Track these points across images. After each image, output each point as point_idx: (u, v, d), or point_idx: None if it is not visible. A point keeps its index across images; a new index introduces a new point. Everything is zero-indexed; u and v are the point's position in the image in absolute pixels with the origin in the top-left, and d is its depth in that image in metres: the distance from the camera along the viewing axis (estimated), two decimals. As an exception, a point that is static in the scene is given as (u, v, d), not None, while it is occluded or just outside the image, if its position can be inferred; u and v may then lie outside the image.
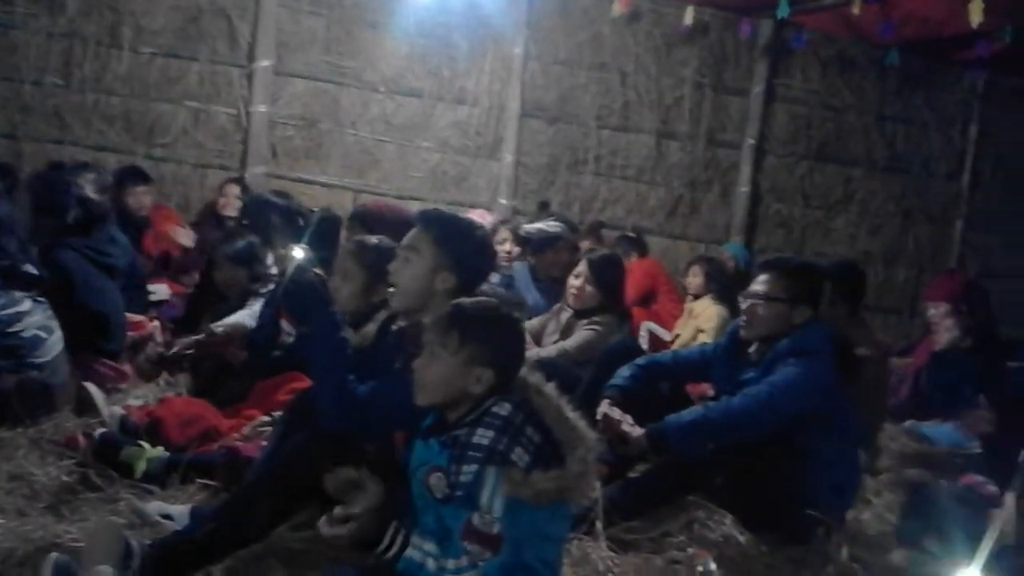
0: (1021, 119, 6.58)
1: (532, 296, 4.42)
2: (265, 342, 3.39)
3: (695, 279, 5.30)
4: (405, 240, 2.31)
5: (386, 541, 1.80)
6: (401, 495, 1.86)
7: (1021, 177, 6.68)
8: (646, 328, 4.93)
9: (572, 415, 1.81)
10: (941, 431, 4.17)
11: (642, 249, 5.66)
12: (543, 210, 5.71)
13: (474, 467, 1.72)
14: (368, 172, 6.01)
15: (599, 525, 2.45)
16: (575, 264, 3.87)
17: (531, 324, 3.79)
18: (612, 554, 2.40)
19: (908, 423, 4.31)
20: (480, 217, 4.67)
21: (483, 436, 1.75)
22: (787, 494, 2.62)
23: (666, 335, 5.04)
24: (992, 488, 3.29)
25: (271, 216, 3.90)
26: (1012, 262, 6.76)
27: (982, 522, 3.06)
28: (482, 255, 2.32)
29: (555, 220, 4.87)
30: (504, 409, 1.78)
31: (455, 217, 2.38)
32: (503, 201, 5.99)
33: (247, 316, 3.61)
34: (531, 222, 5.09)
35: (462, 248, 2.24)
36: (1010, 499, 3.11)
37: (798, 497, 2.62)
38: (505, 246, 4.66)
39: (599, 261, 3.72)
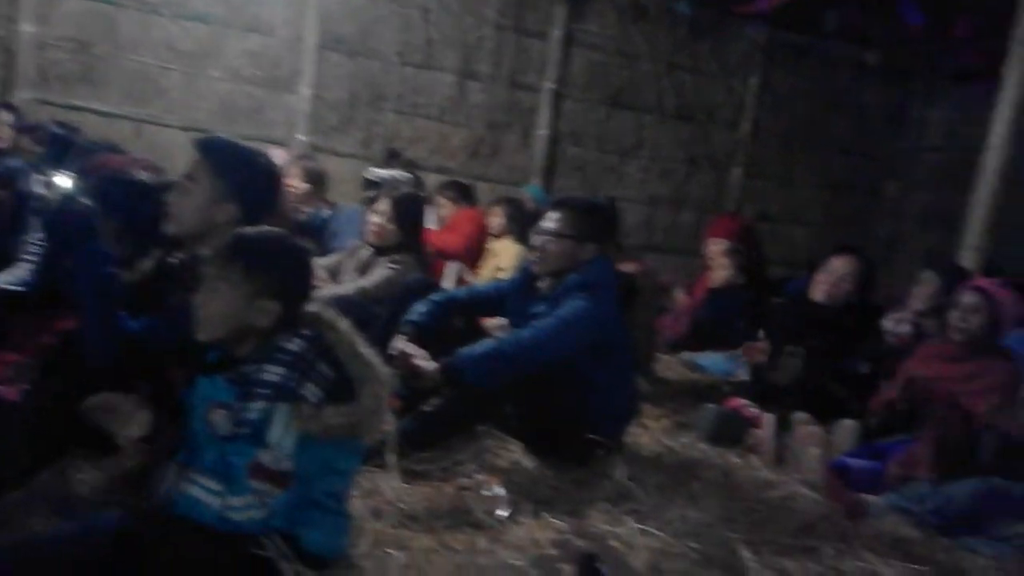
0: (797, 73, 7.11)
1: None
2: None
3: (496, 219, 5.38)
4: (185, 169, 2.19)
5: (159, 480, 1.73)
6: (175, 432, 1.78)
7: (796, 129, 7.24)
8: (454, 269, 4.97)
9: (366, 351, 1.80)
10: (714, 361, 4.52)
11: (470, 198, 5.68)
12: (393, 158, 5.60)
13: (262, 404, 1.68)
14: (151, 101, 5.62)
15: (391, 457, 2.48)
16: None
17: (327, 261, 3.73)
18: (403, 485, 2.44)
19: (685, 354, 4.63)
20: (278, 157, 4.53)
21: (273, 372, 1.71)
22: (571, 421, 2.76)
23: (472, 277, 5.10)
24: (754, 410, 3.61)
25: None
26: (784, 207, 7.37)
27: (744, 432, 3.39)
28: (266, 186, 2.24)
29: (404, 169, 4.84)
30: (295, 345, 1.75)
31: (236, 144, 2.27)
32: (301, 137, 5.80)
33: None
34: (380, 166, 5.01)
35: (243, 177, 2.15)
36: (769, 419, 3.45)
37: (581, 423, 2.76)
38: (292, 182, 4.51)
39: (401, 199, 3.70)
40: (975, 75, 6.63)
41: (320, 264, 3.62)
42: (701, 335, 4.73)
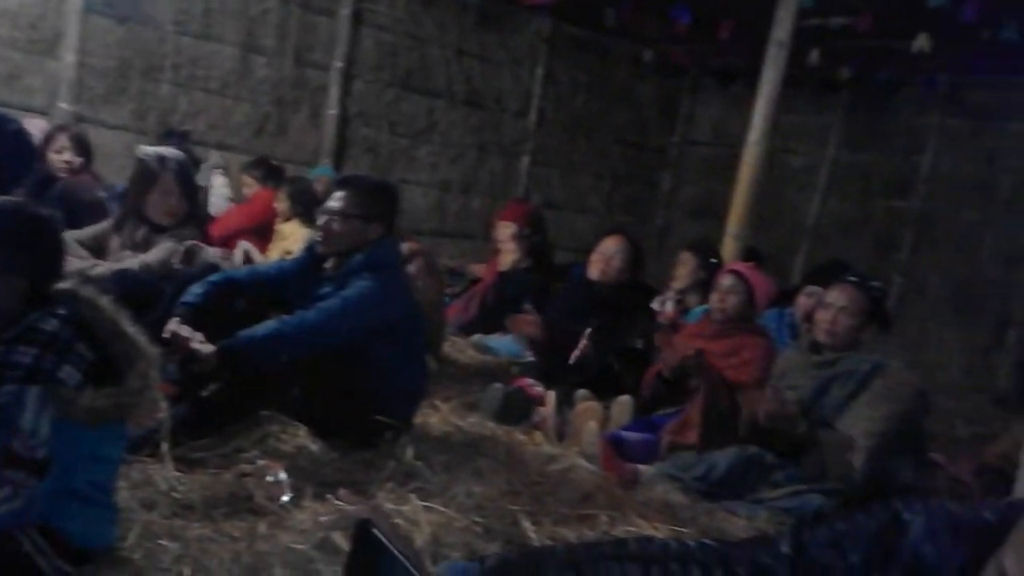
0: (579, 66, 7.39)
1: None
2: None
3: (281, 203, 5.23)
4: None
5: None
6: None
7: (578, 119, 7.54)
8: (242, 248, 4.78)
9: (130, 329, 1.70)
10: (503, 343, 4.63)
11: (276, 178, 5.45)
12: (172, 137, 5.23)
13: (13, 387, 1.54)
14: None
15: (165, 446, 2.35)
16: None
17: (80, 234, 3.42)
18: (178, 474, 2.32)
19: (476, 336, 4.71)
20: (36, 127, 4.14)
21: (24, 353, 1.57)
22: (358, 402, 2.74)
23: (261, 257, 4.93)
24: (539, 389, 3.74)
25: None
26: (568, 195, 7.67)
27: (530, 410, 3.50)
28: (15, 155, 2.05)
29: (185, 147, 4.55)
30: (50, 324, 1.62)
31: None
32: (64, 106, 5.31)
33: None
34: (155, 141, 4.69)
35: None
36: (552, 396, 3.58)
37: (369, 404, 2.75)
38: (64, 155, 4.15)
39: (184, 173, 3.50)
40: (737, 74, 7.20)
41: (77, 237, 3.35)
42: (490, 317, 4.82)
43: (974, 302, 6.37)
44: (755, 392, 3.30)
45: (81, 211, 3.70)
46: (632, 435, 3.43)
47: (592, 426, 3.30)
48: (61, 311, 1.65)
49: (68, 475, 1.63)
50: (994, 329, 6.23)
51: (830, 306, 3.19)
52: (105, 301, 1.71)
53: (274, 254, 4.97)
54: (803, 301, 4.12)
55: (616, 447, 3.26)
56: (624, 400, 3.66)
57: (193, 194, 3.57)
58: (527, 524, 2.44)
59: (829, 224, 7.21)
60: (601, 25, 6.63)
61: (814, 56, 5.87)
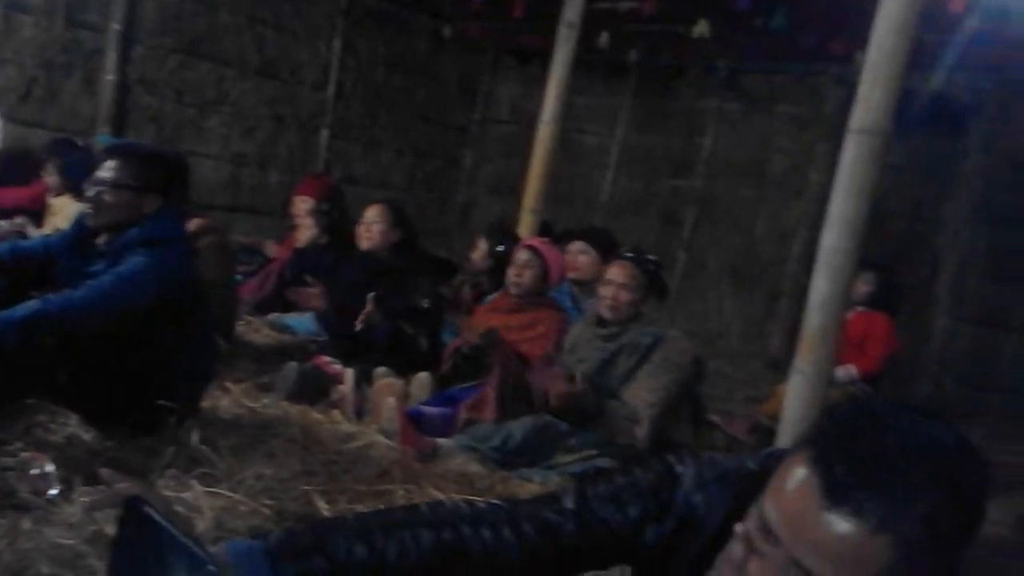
0: (379, 39, 7.27)
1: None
2: None
3: (50, 176, 4.84)
4: None
5: None
6: None
7: (379, 94, 7.43)
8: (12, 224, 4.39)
9: None
10: (301, 321, 4.50)
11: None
12: None
13: None
14: None
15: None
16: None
17: None
18: (-73, 471, 2.09)
19: (273, 315, 4.56)
20: None
21: None
22: (136, 386, 2.57)
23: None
24: (337, 366, 3.68)
25: None
26: (370, 171, 7.56)
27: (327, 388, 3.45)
28: None
29: None
30: None
31: None
32: None
33: None
34: None
35: None
36: (350, 373, 3.54)
37: (148, 388, 2.58)
38: None
39: None
40: (534, 54, 7.36)
41: None
42: (287, 296, 4.68)
43: (750, 275, 6.89)
44: (546, 370, 3.41)
45: None
46: (431, 410, 3.46)
47: (391, 402, 3.29)
48: None
49: None
50: (768, 300, 6.77)
51: (611, 283, 3.34)
52: None
53: (46, 231, 4.58)
54: (569, 259, 4.23)
55: (415, 422, 3.27)
56: (423, 376, 3.67)
57: None
58: (321, 503, 2.40)
59: (620, 202, 7.55)
60: (400, -1, 6.57)
61: (604, 39, 6.09)
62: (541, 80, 5.02)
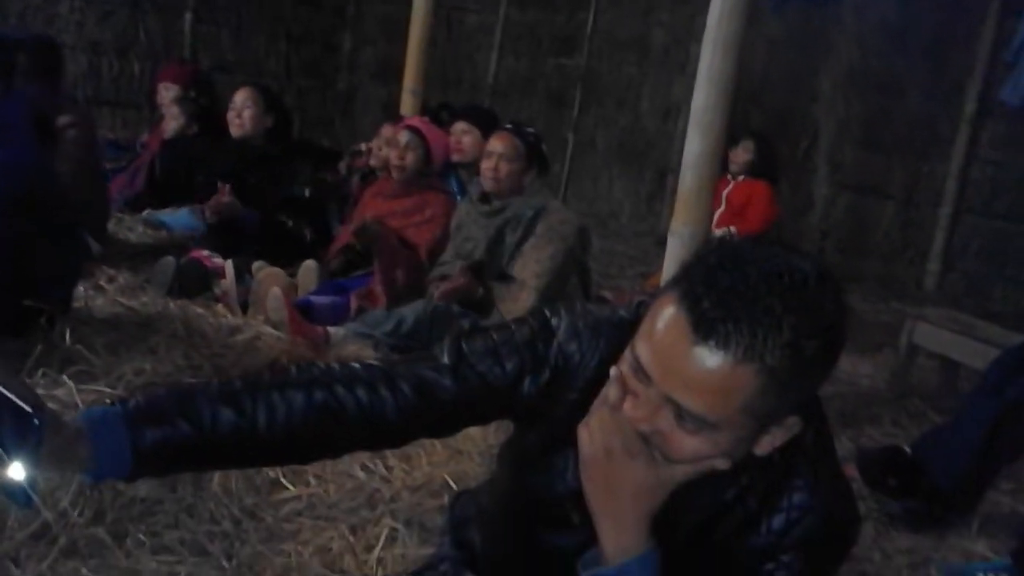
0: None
1: None
2: None
3: None
4: None
5: None
6: None
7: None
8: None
9: None
10: (177, 217, 4.30)
11: None
12: None
13: None
14: None
15: None
16: None
17: None
18: None
19: (146, 212, 4.33)
20: None
21: None
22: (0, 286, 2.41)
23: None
24: (218, 260, 3.54)
25: None
26: (241, 58, 7.13)
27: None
28: None
29: None
30: None
31: None
32: None
33: None
34: None
35: None
36: (230, 265, 3.42)
37: (9, 288, 2.43)
38: None
39: None
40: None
41: None
42: (160, 190, 4.45)
43: (637, 154, 6.94)
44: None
45: None
46: (321, 299, 3.39)
47: (275, 291, 3.20)
48: None
49: None
50: (656, 178, 6.85)
51: (491, 154, 3.30)
52: None
53: None
54: (452, 140, 4.15)
55: (305, 312, 3.21)
56: (309, 264, 3.58)
57: None
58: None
59: (506, 83, 7.40)
60: None
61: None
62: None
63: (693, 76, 2.68)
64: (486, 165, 3.30)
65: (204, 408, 1.04)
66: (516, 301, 3.14)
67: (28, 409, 0.95)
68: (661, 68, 6.80)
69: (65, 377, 2.18)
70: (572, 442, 1.07)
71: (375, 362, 1.15)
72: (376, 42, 7.88)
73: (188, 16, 6.66)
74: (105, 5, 6.18)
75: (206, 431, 1.04)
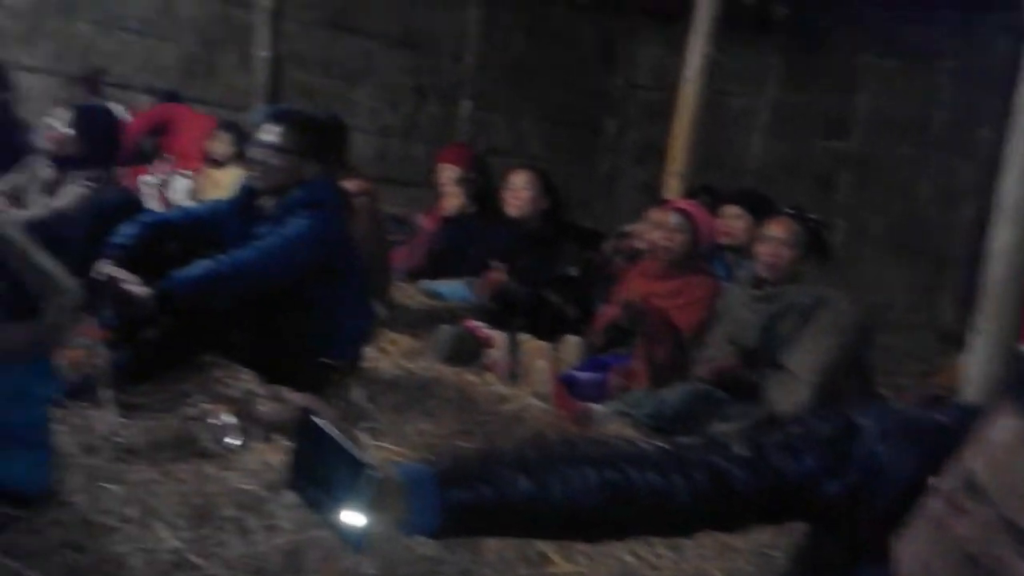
0: (515, 6, 7.21)
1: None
2: None
3: (221, 146, 5.07)
4: None
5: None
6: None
7: (519, 63, 7.38)
8: (184, 185, 4.63)
9: (45, 261, 1.59)
10: (452, 288, 4.56)
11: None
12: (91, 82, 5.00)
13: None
14: None
15: (105, 392, 2.26)
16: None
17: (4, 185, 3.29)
18: (121, 419, 2.23)
19: (423, 282, 4.63)
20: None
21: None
22: (300, 345, 2.65)
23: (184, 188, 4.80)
24: (487, 330, 3.68)
25: None
26: (512, 141, 7.54)
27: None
28: None
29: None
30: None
31: None
32: (-22, 48, 5.03)
33: None
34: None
35: None
36: (502, 337, 3.54)
37: (312, 347, 2.66)
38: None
39: (84, 107, 3.36)
40: (674, 13, 7.11)
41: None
42: (438, 264, 4.74)
43: (914, 241, 6.49)
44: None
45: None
46: (584, 375, 3.42)
47: (541, 364, 3.27)
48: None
49: (3, 416, 1.54)
50: (935, 268, 6.36)
51: (770, 239, 3.20)
52: (14, 233, 1.61)
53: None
54: (722, 224, 4.08)
55: (568, 387, 3.25)
56: (573, 340, 3.64)
57: (96, 130, 3.36)
58: (482, 461, 2.40)
59: (770, 165, 7.24)
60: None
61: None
62: (683, 42, 4.86)
63: (980, 160, 2.49)
64: (764, 250, 3.20)
65: (505, 475, 1.06)
66: (790, 394, 2.99)
67: (365, 461, 1.01)
68: (940, 152, 6.37)
69: (362, 435, 2.34)
70: (880, 557, 0.99)
71: (666, 446, 1.12)
72: (639, 125, 8.02)
73: (467, 103, 7.16)
74: (394, 94, 6.79)
75: (506, 497, 1.05)
